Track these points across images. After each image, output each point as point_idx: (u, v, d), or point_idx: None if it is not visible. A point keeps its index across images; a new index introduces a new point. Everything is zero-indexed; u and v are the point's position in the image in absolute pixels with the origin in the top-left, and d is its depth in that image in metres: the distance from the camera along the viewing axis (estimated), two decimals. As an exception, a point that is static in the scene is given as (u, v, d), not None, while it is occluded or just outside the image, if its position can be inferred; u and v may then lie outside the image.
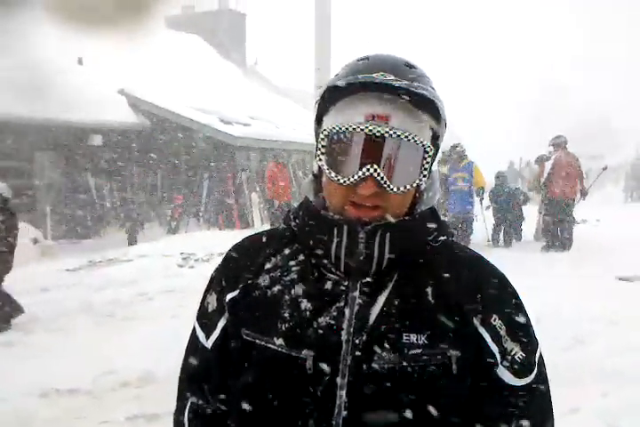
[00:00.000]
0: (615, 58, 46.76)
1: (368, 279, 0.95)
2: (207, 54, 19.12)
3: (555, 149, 9.96)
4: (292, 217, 1.03)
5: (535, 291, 5.85)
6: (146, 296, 6.06)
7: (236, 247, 1.10)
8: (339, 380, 0.90)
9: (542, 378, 1.01)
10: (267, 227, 8.58)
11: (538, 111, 42.67)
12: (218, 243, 8.23)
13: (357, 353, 0.91)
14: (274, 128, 13.99)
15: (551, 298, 5.78)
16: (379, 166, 0.89)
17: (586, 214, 10.72)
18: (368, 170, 0.89)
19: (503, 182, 10.98)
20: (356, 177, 0.90)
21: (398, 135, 0.89)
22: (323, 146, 0.93)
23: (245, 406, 0.97)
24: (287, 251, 1.02)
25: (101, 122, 11.63)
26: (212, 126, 12.38)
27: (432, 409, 0.92)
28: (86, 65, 13.08)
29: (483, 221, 10.15)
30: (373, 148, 0.89)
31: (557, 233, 9.72)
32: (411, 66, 0.96)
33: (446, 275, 0.98)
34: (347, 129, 0.90)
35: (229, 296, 1.02)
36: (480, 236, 10.20)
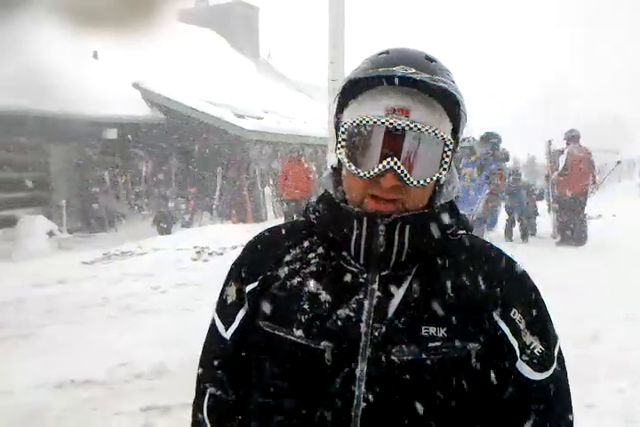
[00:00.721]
0: (625, 52, 46.12)
1: (387, 272, 0.95)
2: (220, 47, 19.13)
3: (568, 143, 9.87)
4: (311, 210, 1.03)
5: (549, 285, 5.84)
6: (160, 289, 6.11)
7: (256, 239, 1.10)
8: (357, 371, 0.91)
9: (562, 372, 1.00)
10: (280, 221, 8.61)
11: (547, 108, 42.35)
12: (231, 237, 8.28)
13: (376, 345, 0.91)
14: (287, 122, 13.99)
15: (566, 293, 5.76)
16: (399, 160, 0.89)
17: (601, 209, 10.62)
18: (388, 163, 0.89)
19: (518, 178, 10.94)
20: (375, 170, 0.89)
21: (419, 128, 0.88)
22: (343, 139, 0.93)
23: (264, 397, 0.98)
24: (306, 243, 1.02)
25: (116, 115, 11.69)
26: (225, 120, 12.40)
27: (451, 402, 0.92)
28: (101, 59, 13.13)
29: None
30: (394, 141, 0.89)
31: (571, 228, 9.66)
32: (431, 59, 0.95)
33: (466, 268, 0.98)
34: (367, 122, 0.90)
35: (249, 288, 1.02)
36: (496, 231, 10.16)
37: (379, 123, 0.89)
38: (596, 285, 6.24)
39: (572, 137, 9.77)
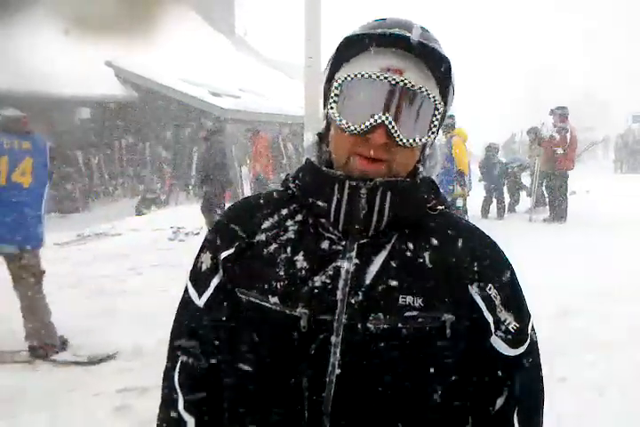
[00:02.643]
0: (602, 34, 46.51)
1: (366, 240, 0.95)
2: (195, 24, 18.77)
3: (562, 120, 9.87)
4: (290, 179, 1.02)
5: (522, 261, 5.93)
6: (136, 270, 6.06)
7: (233, 207, 1.09)
8: (333, 338, 0.91)
9: (534, 348, 1.03)
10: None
11: (530, 89, 42.72)
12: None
13: (352, 312, 0.91)
14: (264, 100, 13.85)
15: (538, 268, 5.86)
16: (390, 115, 0.89)
17: (575, 186, 10.79)
18: (380, 118, 0.88)
19: (493, 154, 11.00)
20: (367, 124, 0.89)
21: (412, 86, 0.89)
22: (335, 94, 0.93)
23: (239, 363, 0.98)
24: (285, 211, 1.02)
25: (89, 95, 11.46)
26: (201, 99, 12.25)
27: (424, 371, 0.93)
28: (72, 36, 12.82)
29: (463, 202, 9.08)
30: (386, 97, 0.89)
31: (555, 205, 9.84)
32: (426, 29, 0.95)
33: (444, 242, 0.98)
34: (362, 76, 0.90)
35: (224, 255, 1.02)
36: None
37: (373, 77, 0.89)
38: (569, 260, 6.35)
39: (565, 113, 9.82)
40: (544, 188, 10.42)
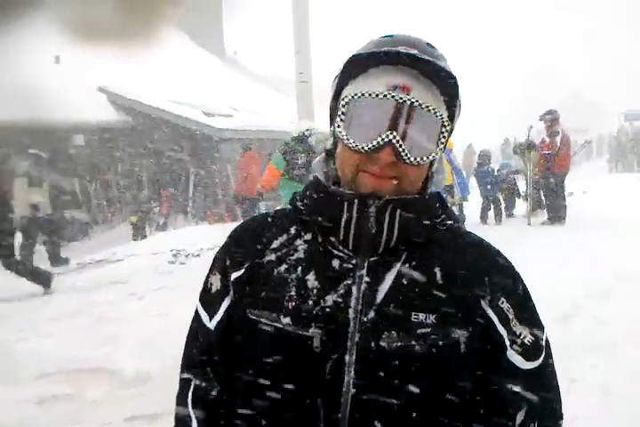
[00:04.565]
0: (602, 34, 46.98)
1: (376, 257, 0.95)
2: (185, 45, 18.89)
3: (551, 123, 9.94)
4: (298, 198, 1.02)
5: (524, 265, 5.88)
6: (136, 295, 5.99)
7: (241, 227, 1.09)
8: (347, 358, 0.90)
9: (550, 360, 1.02)
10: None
11: (529, 89, 43.02)
12: (208, 238, 8.16)
13: (365, 331, 0.91)
14: (257, 118, 13.89)
15: (539, 272, 5.80)
16: (398, 134, 0.90)
17: (572, 187, 10.80)
18: (387, 136, 0.89)
19: (484, 162, 11.16)
20: (374, 143, 0.90)
21: (420, 104, 0.90)
22: (342, 112, 0.93)
23: (252, 385, 0.96)
24: (293, 230, 1.02)
25: (82, 121, 11.49)
26: (195, 119, 12.31)
27: (440, 388, 0.92)
28: (63, 63, 12.88)
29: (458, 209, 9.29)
30: (394, 115, 0.90)
31: (554, 207, 9.85)
32: (432, 46, 0.97)
33: (454, 257, 0.98)
34: (369, 95, 0.90)
35: (234, 276, 1.02)
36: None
37: (381, 95, 0.89)
38: (569, 262, 6.30)
39: (556, 118, 9.88)
40: (541, 191, 10.43)
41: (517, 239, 7.95)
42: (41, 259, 8.26)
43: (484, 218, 10.77)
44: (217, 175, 12.57)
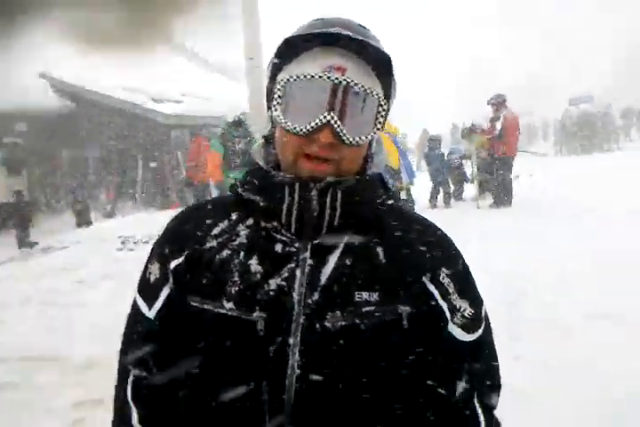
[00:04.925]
0: (541, 18, 47.78)
1: (319, 240, 0.96)
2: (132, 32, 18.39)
3: (496, 107, 10.17)
4: (239, 184, 1.01)
5: (475, 247, 6.11)
6: (84, 283, 5.94)
7: (179, 216, 1.08)
8: (291, 340, 0.91)
9: (489, 332, 1.06)
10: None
11: (469, 78, 43.63)
12: (156, 224, 8.04)
13: (309, 313, 0.92)
14: (206, 104, 13.73)
15: (490, 251, 6.04)
16: (335, 115, 0.90)
17: (518, 170, 11.13)
18: (325, 117, 0.89)
19: (434, 146, 11.36)
20: (313, 124, 0.90)
21: (355, 84, 0.90)
22: (278, 96, 0.93)
23: (196, 371, 0.96)
24: (235, 216, 1.02)
25: (24, 108, 11.12)
26: (143, 106, 12.06)
27: (384, 364, 0.94)
28: (2, 48, 12.40)
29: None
30: (330, 96, 0.90)
31: (499, 190, 10.09)
32: (364, 27, 0.97)
33: (395, 235, 1.00)
34: (304, 77, 0.90)
35: (174, 264, 1.01)
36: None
37: (316, 77, 0.89)
38: (517, 244, 6.54)
39: (501, 102, 10.10)
40: (487, 174, 10.71)
41: (467, 222, 8.20)
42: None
43: (432, 201, 10.98)
44: (166, 161, 12.42)
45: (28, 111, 11.18)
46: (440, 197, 11.12)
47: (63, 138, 12.37)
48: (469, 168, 11.30)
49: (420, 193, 10.32)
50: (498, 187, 10.14)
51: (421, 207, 9.83)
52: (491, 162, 10.32)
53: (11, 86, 10.93)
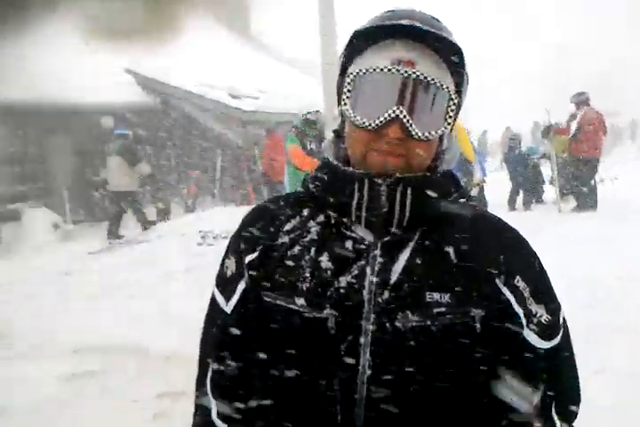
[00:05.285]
0: (620, 16, 45.54)
1: (389, 237, 0.94)
2: (210, 26, 18.80)
3: (578, 106, 9.72)
4: (310, 180, 1.02)
5: (554, 250, 5.85)
6: (166, 276, 6.11)
7: (253, 211, 1.09)
8: (362, 339, 0.90)
9: (568, 339, 1.02)
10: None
11: (546, 75, 42.21)
12: (235, 219, 8.13)
13: (380, 312, 0.91)
14: (284, 100, 13.85)
15: (572, 257, 5.76)
16: (404, 109, 0.88)
17: (603, 173, 10.60)
18: (394, 111, 0.88)
19: (514, 146, 10.94)
20: (381, 119, 0.89)
21: (425, 78, 0.88)
22: (348, 90, 0.92)
23: (269, 368, 0.97)
24: (306, 212, 1.01)
25: (111, 102, 11.58)
26: (222, 101, 12.31)
27: (456, 368, 0.92)
28: (91, 45, 12.98)
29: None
30: (399, 90, 0.89)
31: (584, 193, 9.60)
32: (435, 19, 0.95)
33: (468, 235, 0.97)
34: (374, 70, 0.89)
35: (248, 259, 1.01)
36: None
37: (385, 70, 0.88)
38: (600, 249, 6.22)
39: (582, 100, 9.64)
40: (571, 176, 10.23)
41: (544, 224, 7.90)
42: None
43: (511, 203, 10.59)
44: (243, 157, 12.62)
45: (114, 106, 11.63)
46: (520, 198, 10.68)
47: (147, 133, 12.79)
48: (549, 169, 10.88)
49: (498, 194, 10.00)
50: (579, 190, 9.68)
51: (499, 209, 9.50)
52: (571, 163, 9.85)
53: (98, 81, 11.41)
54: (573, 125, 9.55)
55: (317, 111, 7.22)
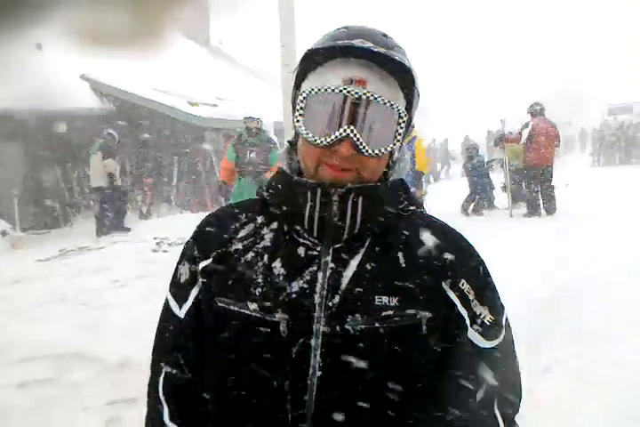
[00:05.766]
0: (575, 25, 47.26)
1: (341, 244, 0.97)
2: (169, 33, 18.64)
3: (533, 116, 10.07)
4: (264, 188, 1.05)
5: (507, 253, 6.02)
6: (119, 283, 6.02)
7: (208, 218, 1.11)
8: (312, 341, 0.93)
9: (510, 340, 1.06)
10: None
11: (504, 84, 43.44)
12: (191, 226, 8.04)
13: (330, 315, 0.94)
14: (242, 108, 13.83)
15: (522, 260, 5.94)
16: (355, 128, 0.91)
17: (555, 180, 11.01)
18: (344, 131, 0.91)
19: (473, 154, 11.30)
20: (332, 137, 0.91)
21: (375, 98, 0.91)
22: (300, 107, 0.95)
23: (221, 371, 0.99)
24: (260, 219, 1.04)
25: (64, 109, 11.35)
26: (179, 109, 12.20)
27: (403, 369, 0.95)
28: (45, 51, 12.71)
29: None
30: (350, 110, 0.92)
31: (538, 199, 9.93)
32: (387, 36, 0.98)
33: (416, 241, 1.01)
34: (325, 90, 0.92)
35: (202, 265, 1.03)
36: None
37: (337, 91, 0.91)
38: (551, 252, 6.42)
39: (536, 110, 9.99)
40: (524, 183, 10.58)
41: (500, 231, 8.12)
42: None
43: (465, 208, 10.90)
44: (201, 164, 12.54)
45: (68, 112, 11.41)
46: (472, 205, 11.02)
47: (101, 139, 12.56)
48: (502, 176, 11.19)
49: (454, 200, 10.23)
50: (528, 196, 10.01)
51: (454, 215, 9.74)
52: (523, 171, 10.20)
53: (52, 88, 11.17)
54: (525, 134, 9.88)
55: (257, 118, 7.24)
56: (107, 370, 3.88)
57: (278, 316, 0.94)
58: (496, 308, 1.04)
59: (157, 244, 7.78)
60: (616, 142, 22.81)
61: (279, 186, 1.02)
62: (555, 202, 9.94)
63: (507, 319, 1.06)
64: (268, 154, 7.09)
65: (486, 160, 11.76)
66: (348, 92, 0.91)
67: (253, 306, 0.96)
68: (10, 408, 3.34)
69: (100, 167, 9.81)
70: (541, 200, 9.96)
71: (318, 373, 0.93)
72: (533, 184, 9.91)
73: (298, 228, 0.99)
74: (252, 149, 6.99)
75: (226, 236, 1.04)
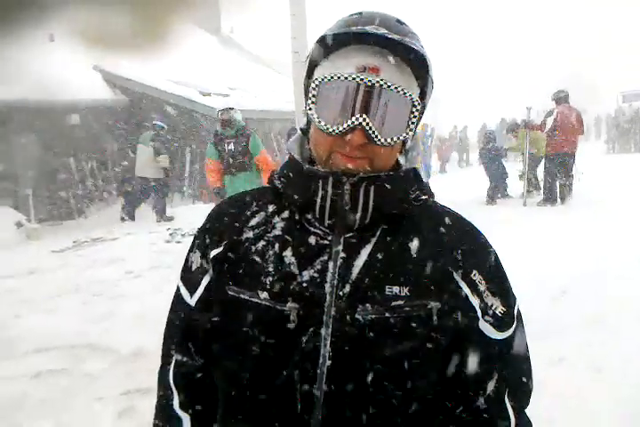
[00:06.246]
0: (591, 12, 46.64)
1: (352, 234, 0.96)
2: (179, 22, 18.60)
3: (557, 103, 9.91)
4: (276, 176, 1.03)
5: (520, 242, 5.97)
6: (133, 274, 6.05)
7: (219, 206, 1.10)
8: (323, 330, 0.93)
9: (521, 331, 1.05)
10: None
11: (519, 73, 43.09)
12: (203, 217, 8.11)
13: (341, 304, 0.93)
14: (254, 98, 13.80)
15: (536, 249, 5.89)
16: (368, 117, 0.90)
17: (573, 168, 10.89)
18: (357, 119, 0.89)
19: (490, 142, 11.16)
20: (345, 126, 0.90)
21: (388, 86, 0.89)
22: (313, 95, 0.93)
23: (232, 359, 0.99)
24: (271, 208, 1.03)
25: (77, 100, 11.38)
26: (191, 99, 12.20)
27: (413, 358, 0.95)
28: (57, 42, 12.73)
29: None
30: (363, 98, 0.90)
31: (555, 188, 9.82)
32: (402, 22, 0.96)
33: (428, 231, 1.00)
34: (338, 78, 0.90)
35: (213, 253, 1.03)
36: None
37: (350, 78, 0.89)
38: (565, 241, 6.37)
39: (561, 97, 9.84)
40: (539, 171, 10.46)
41: (510, 218, 8.05)
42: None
43: (492, 197, 10.69)
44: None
45: (81, 103, 11.44)
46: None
47: (115, 130, 12.61)
48: (517, 164, 11.07)
49: (474, 189, 10.12)
50: (551, 184, 9.89)
51: (471, 204, 9.66)
52: (539, 158, 10.09)
53: (64, 79, 11.19)
54: (549, 122, 9.73)
55: (231, 108, 7.13)
56: (120, 360, 3.90)
57: (289, 305, 0.94)
58: (508, 299, 1.03)
59: (170, 235, 7.81)
60: (631, 129, 22.57)
61: (290, 174, 1.00)
62: (572, 191, 9.82)
63: (518, 311, 1.05)
64: (248, 141, 6.94)
65: (503, 147, 11.57)
66: (361, 79, 0.89)
67: (264, 295, 0.95)
68: (24, 399, 3.37)
69: (150, 160, 9.97)
70: (558, 188, 9.83)
71: (328, 362, 0.92)
72: (555, 172, 9.74)
73: (309, 217, 0.99)
74: (230, 141, 6.89)
75: (237, 224, 1.03)
